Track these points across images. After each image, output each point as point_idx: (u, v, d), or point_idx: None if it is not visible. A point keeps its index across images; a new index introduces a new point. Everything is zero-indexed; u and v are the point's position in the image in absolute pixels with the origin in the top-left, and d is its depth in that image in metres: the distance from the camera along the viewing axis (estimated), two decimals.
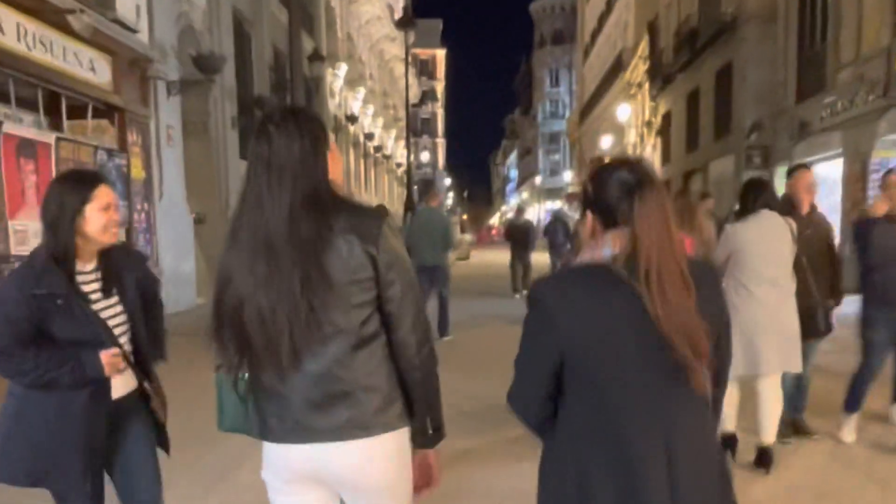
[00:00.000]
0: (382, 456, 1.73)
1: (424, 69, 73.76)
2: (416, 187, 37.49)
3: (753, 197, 4.01)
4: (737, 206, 4.16)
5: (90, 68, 8.77)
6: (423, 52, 70.69)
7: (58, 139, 8.27)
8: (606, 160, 1.67)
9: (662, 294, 1.47)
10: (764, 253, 3.90)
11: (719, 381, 1.71)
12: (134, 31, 9.90)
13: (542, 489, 1.65)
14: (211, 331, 1.73)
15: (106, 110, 9.39)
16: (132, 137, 9.90)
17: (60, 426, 2.26)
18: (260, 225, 1.66)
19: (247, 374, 1.75)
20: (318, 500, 1.80)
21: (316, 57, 17.54)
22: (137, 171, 10.08)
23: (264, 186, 1.67)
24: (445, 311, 8.71)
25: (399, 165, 40.22)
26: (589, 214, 1.61)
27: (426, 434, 1.82)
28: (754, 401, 4.08)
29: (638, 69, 28.72)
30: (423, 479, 1.86)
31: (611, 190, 1.55)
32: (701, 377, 1.50)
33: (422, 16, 56.40)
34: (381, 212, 1.74)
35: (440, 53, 79.65)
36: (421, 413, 1.79)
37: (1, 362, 2.21)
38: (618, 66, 34.44)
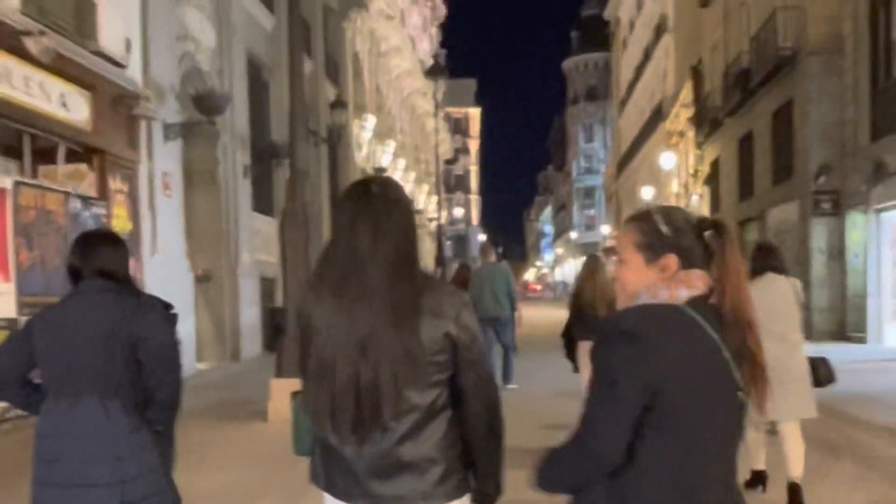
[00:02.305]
0: None
1: (458, 127, 73.85)
2: (448, 243, 36.23)
3: (761, 260, 4.53)
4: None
5: (61, 103, 7.60)
6: (456, 111, 71.07)
7: (17, 183, 7.06)
8: (662, 206, 1.71)
9: (741, 331, 1.56)
10: (770, 310, 4.14)
11: None
12: (121, 65, 8.80)
13: None
14: (301, 378, 1.80)
15: (83, 153, 8.21)
16: (115, 184, 8.69)
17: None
18: (359, 281, 1.71)
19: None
20: None
21: (339, 104, 16.46)
22: (122, 223, 8.83)
23: (367, 242, 1.71)
24: (510, 360, 9.27)
25: (431, 220, 39.15)
26: (672, 256, 1.62)
27: (488, 493, 1.88)
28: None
29: (680, 117, 27.35)
30: None
31: (694, 231, 1.63)
32: (765, 403, 1.57)
33: (455, 76, 56.42)
34: (459, 291, 1.83)
35: (473, 112, 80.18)
36: (484, 478, 1.86)
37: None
38: (657, 117, 33.19)
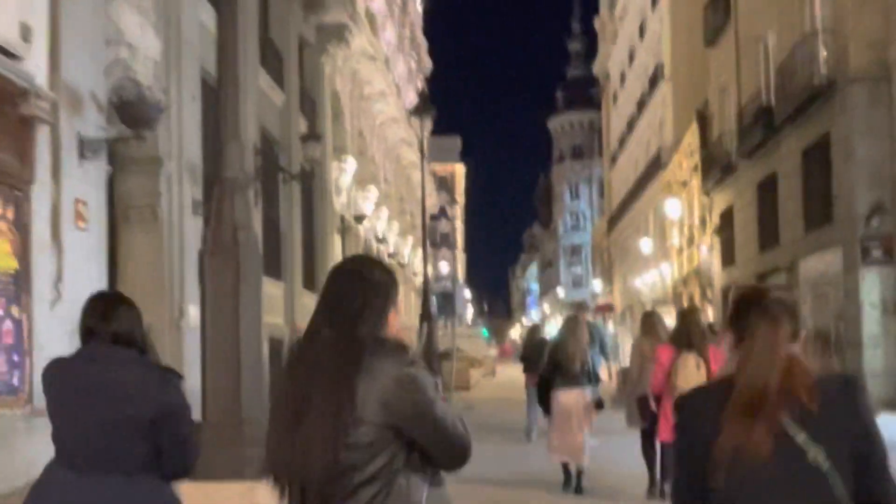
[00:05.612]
0: None
1: (443, 184, 72.63)
2: (433, 298, 34.12)
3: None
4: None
5: None
6: (441, 169, 70.19)
7: None
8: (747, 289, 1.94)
9: (736, 413, 1.73)
10: None
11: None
12: (12, 55, 6.71)
13: None
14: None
15: None
16: None
17: None
18: (310, 358, 1.88)
19: None
20: None
21: (312, 137, 14.46)
22: (1, 259, 6.61)
23: (322, 321, 1.92)
24: None
25: (416, 275, 37.06)
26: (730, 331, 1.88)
27: None
28: None
29: (682, 166, 25.67)
30: None
31: (736, 310, 1.87)
32: None
33: (440, 133, 55.32)
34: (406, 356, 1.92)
35: (459, 169, 79.58)
36: None
37: None
38: (654, 168, 31.60)
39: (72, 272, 7.97)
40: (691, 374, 5.78)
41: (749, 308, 1.81)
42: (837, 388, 1.75)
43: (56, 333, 7.56)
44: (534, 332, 12.04)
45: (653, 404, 6.37)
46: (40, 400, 6.99)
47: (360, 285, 1.90)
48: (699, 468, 1.75)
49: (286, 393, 1.87)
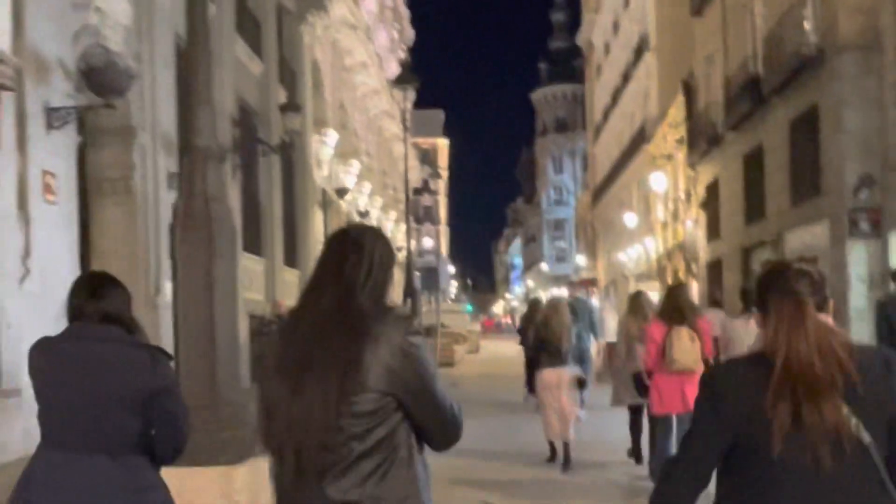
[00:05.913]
0: None
1: (426, 158, 72.09)
2: (417, 273, 33.92)
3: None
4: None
5: None
6: (424, 142, 69.70)
7: None
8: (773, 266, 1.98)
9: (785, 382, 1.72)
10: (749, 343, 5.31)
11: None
12: None
13: None
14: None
15: None
16: None
17: None
18: (309, 325, 1.82)
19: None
20: None
21: (291, 107, 14.08)
22: None
23: (322, 288, 1.86)
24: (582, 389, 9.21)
25: (400, 249, 36.82)
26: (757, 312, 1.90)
27: None
28: None
29: (667, 139, 25.48)
30: None
31: (759, 287, 1.89)
32: None
33: (423, 106, 54.62)
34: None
35: (442, 143, 79.04)
36: None
37: None
38: (639, 140, 31.39)
39: (41, 247, 7.66)
40: (686, 346, 5.80)
41: (771, 284, 1.83)
42: (875, 363, 1.76)
43: (25, 310, 7.29)
44: (535, 305, 11.68)
45: (646, 380, 6.34)
46: (12, 380, 6.75)
47: (363, 255, 1.87)
48: (721, 441, 1.78)
49: (281, 360, 1.82)
